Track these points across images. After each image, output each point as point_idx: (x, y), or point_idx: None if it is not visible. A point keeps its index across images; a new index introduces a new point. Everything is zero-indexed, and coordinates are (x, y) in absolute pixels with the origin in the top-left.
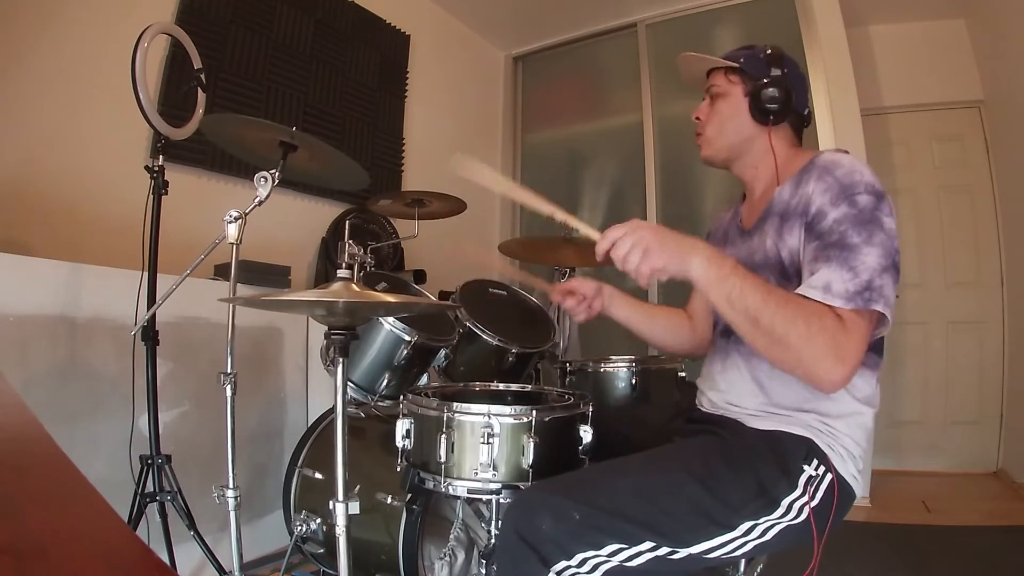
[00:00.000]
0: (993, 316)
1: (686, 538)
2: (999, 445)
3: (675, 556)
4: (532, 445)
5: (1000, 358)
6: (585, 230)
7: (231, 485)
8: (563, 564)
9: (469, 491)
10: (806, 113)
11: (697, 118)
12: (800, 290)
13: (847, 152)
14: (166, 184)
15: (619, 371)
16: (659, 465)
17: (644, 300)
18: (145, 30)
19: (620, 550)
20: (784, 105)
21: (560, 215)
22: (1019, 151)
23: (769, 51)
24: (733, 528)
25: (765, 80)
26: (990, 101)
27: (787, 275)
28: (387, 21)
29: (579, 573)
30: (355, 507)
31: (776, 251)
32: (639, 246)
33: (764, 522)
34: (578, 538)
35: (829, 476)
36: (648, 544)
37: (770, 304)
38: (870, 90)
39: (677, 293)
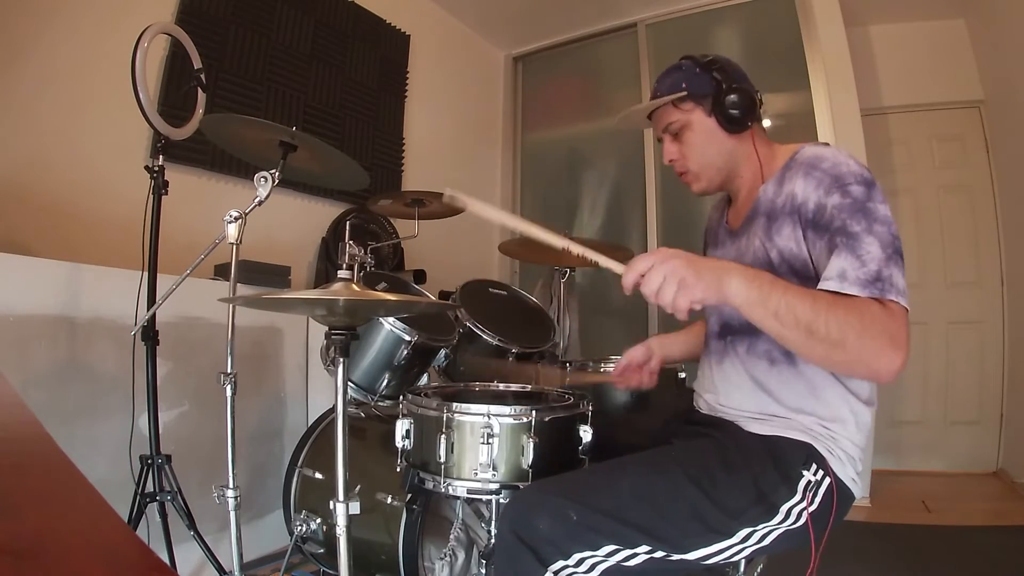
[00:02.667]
0: (993, 316)
1: (683, 544)
2: (999, 445)
3: (672, 559)
4: (532, 445)
5: (1000, 358)
6: (605, 262)
7: (231, 485)
8: (560, 564)
9: (469, 491)
10: (758, 96)
11: (671, 161)
12: (820, 286)
13: (828, 144)
14: (166, 184)
15: None
16: (658, 468)
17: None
18: (145, 30)
19: (617, 551)
20: (749, 103)
21: (576, 248)
22: (1019, 151)
23: (701, 61)
24: (731, 535)
25: (721, 90)
26: (990, 101)
27: (776, 275)
28: (387, 21)
29: (576, 573)
30: (355, 507)
31: (764, 251)
32: (672, 279)
33: (762, 528)
34: (575, 538)
35: (828, 480)
36: (645, 547)
37: (820, 310)
38: (870, 90)
39: None
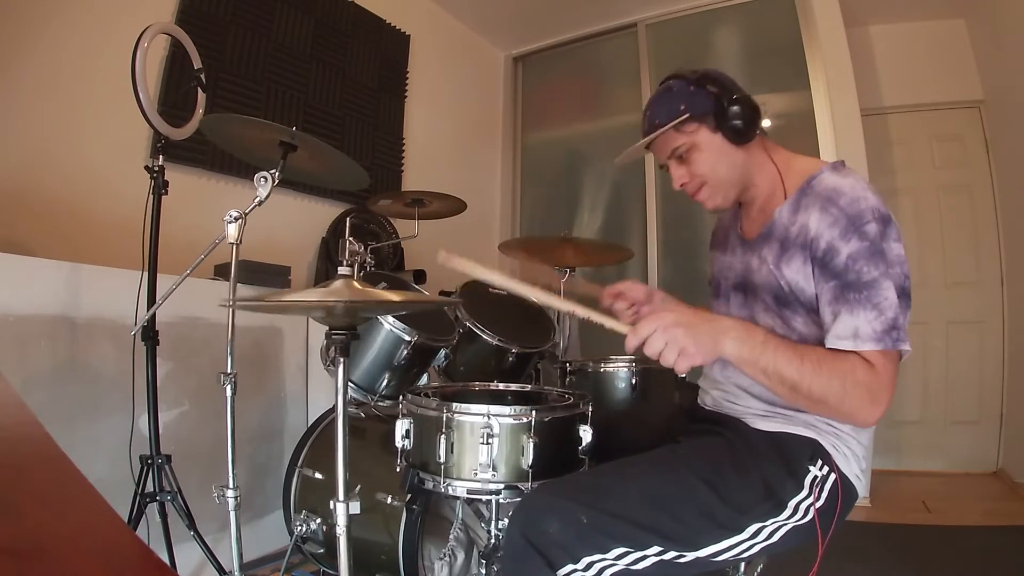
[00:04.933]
0: (993, 316)
1: (694, 542)
2: (999, 445)
3: (682, 560)
4: (532, 445)
5: (1000, 358)
6: (611, 324)
7: (231, 485)
8: (569, 568)
9: (469, 491)
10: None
11: (683, 185)
12: (829, 343)
13: (843, 163)
14: (166, 184)
15: (619, 371)
16: (666, 469)
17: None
18: (145, 30)
19: (627, 554)
20: (752, 111)
21: (581, 311)
22: (1019, 151)
23: (692, 78)
24: (740, 531)
25: (721, 104)
26: (990, 101)
27: (785, 301)
28: (387, 21)
29: None
30: (355, 507)
31: (775, 279)
32: (673, 345)
33: (771, 524)
34: (585, 542)
35: (833, 476)
36: (655, 548)
37: (805, 372)
38: (870, 90)
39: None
